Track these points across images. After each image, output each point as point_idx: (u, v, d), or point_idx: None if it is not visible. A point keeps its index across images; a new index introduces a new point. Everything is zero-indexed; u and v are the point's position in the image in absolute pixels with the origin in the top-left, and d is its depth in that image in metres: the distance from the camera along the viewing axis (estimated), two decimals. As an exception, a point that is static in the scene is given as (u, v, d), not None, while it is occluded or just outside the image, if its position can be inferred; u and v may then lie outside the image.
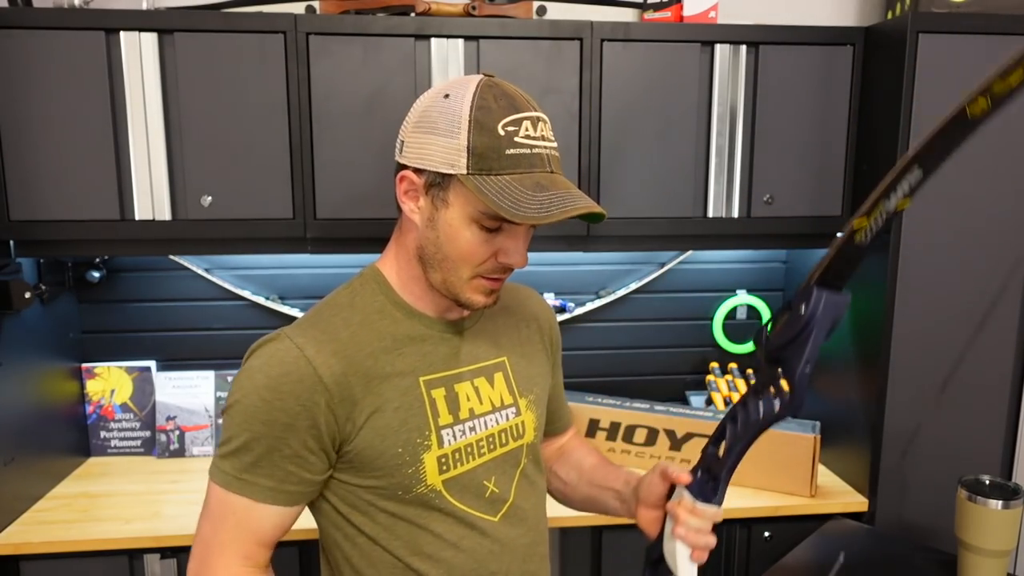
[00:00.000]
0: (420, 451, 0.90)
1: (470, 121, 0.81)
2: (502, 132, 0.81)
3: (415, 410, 0.90)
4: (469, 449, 0.94)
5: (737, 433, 0.86)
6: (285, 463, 0.85)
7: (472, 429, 0.95)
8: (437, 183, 0.85)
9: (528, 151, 0.83)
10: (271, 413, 0.83)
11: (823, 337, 0.77)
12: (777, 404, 0.81)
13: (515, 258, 0.87)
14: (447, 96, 0.84)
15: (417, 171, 0.86)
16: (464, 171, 0.81)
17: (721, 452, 0.89)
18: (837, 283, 0.75)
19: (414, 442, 0.89)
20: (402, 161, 0.88)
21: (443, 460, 0.91)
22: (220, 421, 0.91)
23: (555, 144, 0.87)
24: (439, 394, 0.92)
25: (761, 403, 0.83)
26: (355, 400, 0.87)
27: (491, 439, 0.97)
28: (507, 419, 0.99)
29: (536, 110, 0.85)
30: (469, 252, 0.86)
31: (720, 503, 0.90)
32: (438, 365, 0.94)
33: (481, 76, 0.86)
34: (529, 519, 1.00)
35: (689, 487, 0.91)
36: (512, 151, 0.81)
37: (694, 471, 0.92)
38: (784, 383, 0.80)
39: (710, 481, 0.90)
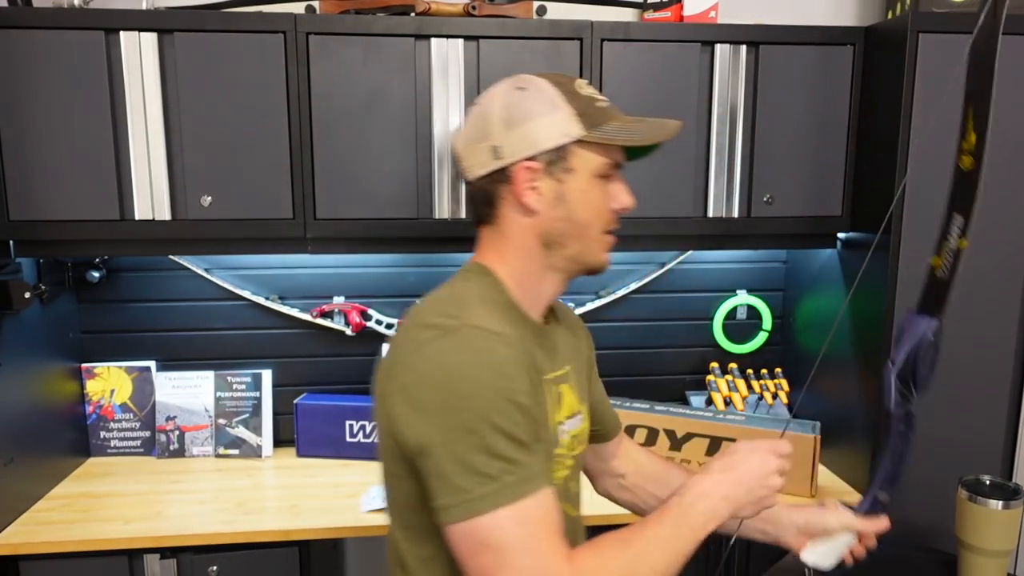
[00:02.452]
0: (552, 447, 0.92)
1: (561, 95, 0.90)
2: (585, 94, 0.91)
3: (550, 406, 0.92)
4: (567, 449, 0.97)
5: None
6: (538, 439, 0.82)
7: (565, 432, 0.97)
8: (555, 160, 0.90)
9: (606, 103, 0.93)
10: (514, 396, 0.78)
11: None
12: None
13: (627, 198, 0.96)
14: (521, 89, 0.91)
15: (530, 159, 0.89)
16: (584, 131, 0.89)
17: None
18: (931, 310, 1.06)
19: (549, 438, 0.91)
20: (507, 162, 0.89)
21: (559, 458, 0.94)
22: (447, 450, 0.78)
23: None
24: (553, 392, 0.94)
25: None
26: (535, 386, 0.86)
27: (575, 440, 1.00)
28: (578, 425, 1.01)
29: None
30: (599, 208, 0.93)
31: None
32: (545, 365, 0.93)
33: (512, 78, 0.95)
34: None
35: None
36: (600, 105, 0.92)
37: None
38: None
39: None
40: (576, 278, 0.99)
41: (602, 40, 1.60)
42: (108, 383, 1.93)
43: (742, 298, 2.11)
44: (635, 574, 0.80)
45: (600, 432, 1.16)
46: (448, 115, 1.60)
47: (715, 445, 1.75)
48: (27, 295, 1.59)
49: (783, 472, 0.93)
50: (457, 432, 0.77)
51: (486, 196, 0.93)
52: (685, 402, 2.05)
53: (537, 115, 0.89)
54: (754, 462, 0.91)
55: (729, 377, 2.09)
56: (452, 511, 0.77)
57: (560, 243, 0.93)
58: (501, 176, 0.91)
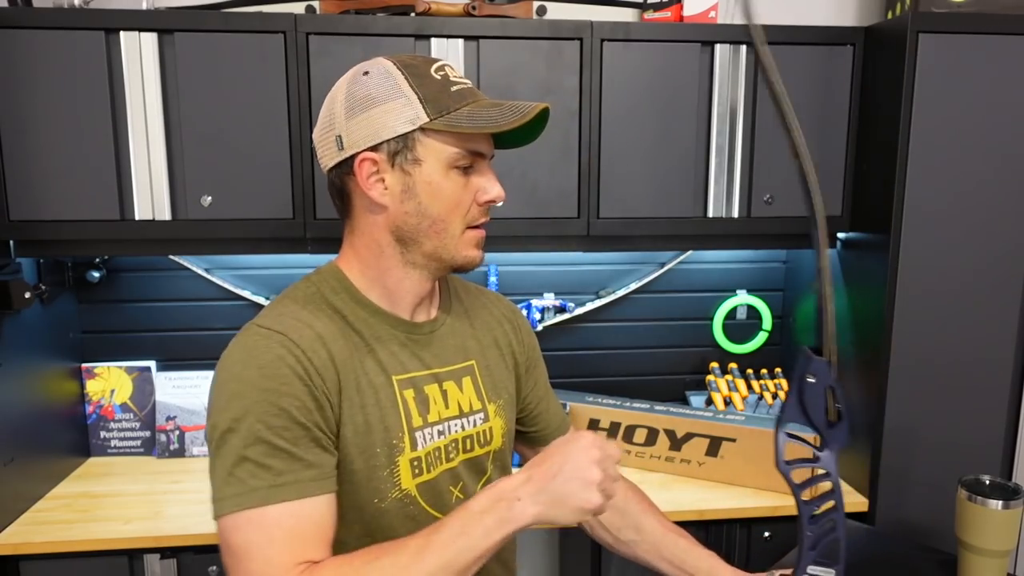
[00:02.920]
0: (396, 453, 0.87)
1: (406, 77, 0.84)
2: (438, 76, 0.85)
3: (389, 409, 0.87)
4: (438, 453, 0.92)
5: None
6: (311, 445, 0.79)
7: (441, 433, 0.92)
8: (401, 148, 0.84)
9: (464, 86, 0.86)
10: (278, 399, 0.77)
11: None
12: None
13: (494, 190, 0.89)
14: (366, 73, 0.86)
15: (373, 149, 0.85)
16: (428, 118, 0.83)
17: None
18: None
19: (391, 443, 0.87)
20: (349, 153, 0.86)
21: (416, 463, 0.89)
22: (209, 453, 0.80)
23: None
24: (409, 394, 0.90)
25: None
26: (339, 388, 0.84)
27: (456, 444, 0.94)
28: (474, 424, 0.96)
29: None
30: (455, 200, 0.86)
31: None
32: (407, 365, 0.91)
33: (378, 57, 0.88)
34: None
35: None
36: (455, 88, 0.85)
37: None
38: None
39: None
40: (444, 275, 0.95)
41: (602, 40, 1.60)
42: (108, 383, 1.93)
43: (742, 298, 2.11)
44: None
45: (538, 434, 1.11)
46: (448, 115, 1.60)
47: (715, 445, 1.75)
48: (27, 295, 1.59)
49: (605, 467, 0.76)
50: (220, 431, 0.78)
51: (337, 189, 0.90)
52: (685, 402, 2.05)
53: (378, 101, 0.83)
54: (569, 451, 0.76)
55: (729, 377, 2.09)
56: (213, 507, 0.78)
57: (413, 239, 0.87)
58: (347, 168, 0.87)
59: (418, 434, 0.89)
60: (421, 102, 0.83)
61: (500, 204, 0.93)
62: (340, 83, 0.89)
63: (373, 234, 0.89)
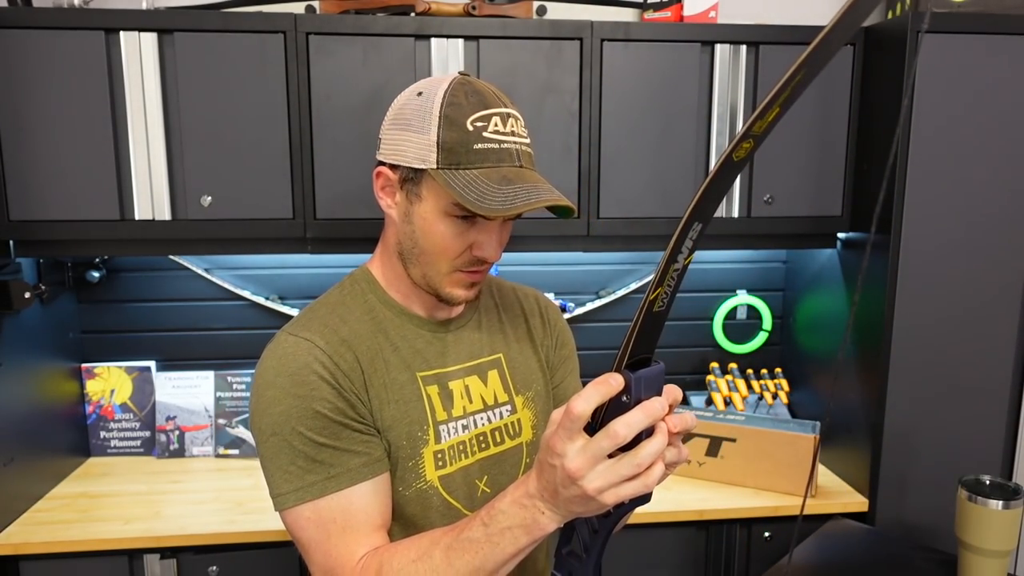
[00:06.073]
0: (420, 445, 0.90)
1: (440, 117, 0.82)
2: (471, 127, 0.82)
3: (413, 404, 0.91)
4: (462, 447, 0.94)
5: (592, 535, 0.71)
6: (353, 435, 0.84)
7: (465, 427, 0.95)
8: (410, 178, 0.86)
9: (497, 146, 0.83)
10: (311, 403, 0.82)
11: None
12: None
13: (488, 251, 0.88)
14: (420, 94, 0.86)
15: (392, 167, 0.88)
16: (434, 166, 0.83)
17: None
18: (647, 355, 0.64)
19: (415, 435, 0.90)
20: (379, 158, 0.90)
21: (439, 456, 0.92)
22: (257, 453, 0.86)
23: (526, 140, 0.88)
24: (433, 391, 0.93)
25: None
26: (366, 387, 0.88)
27: (482, 438, 0.96)
28: (500, 417, 0.98)
29: (507, 106, 0.86)
30: (444, 245, 0.87)
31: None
32: (431, 362, 0.94)
33: (456, 74, 0.87)
34: None
35: None
36: (480, 146, 0.83)
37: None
38: None
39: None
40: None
41: (602, 40, 1.60)
42: (108, 383, 1.93)
43: (742, 298, 2.11)
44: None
45: None
46: (448, 115, 1.60)
47: (715, 445, 1.75)
48: (27, 295, 1.59)
49: (595, 475, 0.63)
50: (265, 435, 0.83)
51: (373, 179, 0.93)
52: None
53: (411, 128, 0.85)
54: (550, 469, 0.66)
55: (729, 377, 2.09)
56: (274, 502, 0.84)
57: (409, 259, 0.90)
58: (377, 167, 0.91)
59: (442, 427, 0.92)
60: (438, 147, 0.82)
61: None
62: (407, 90, 0.90)
63: (390, 238, 0.93)
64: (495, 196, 0.80)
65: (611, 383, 0.62)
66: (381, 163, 0.90)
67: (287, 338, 0.87)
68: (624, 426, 0.60)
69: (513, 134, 0.85)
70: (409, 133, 0.85)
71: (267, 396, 0.83)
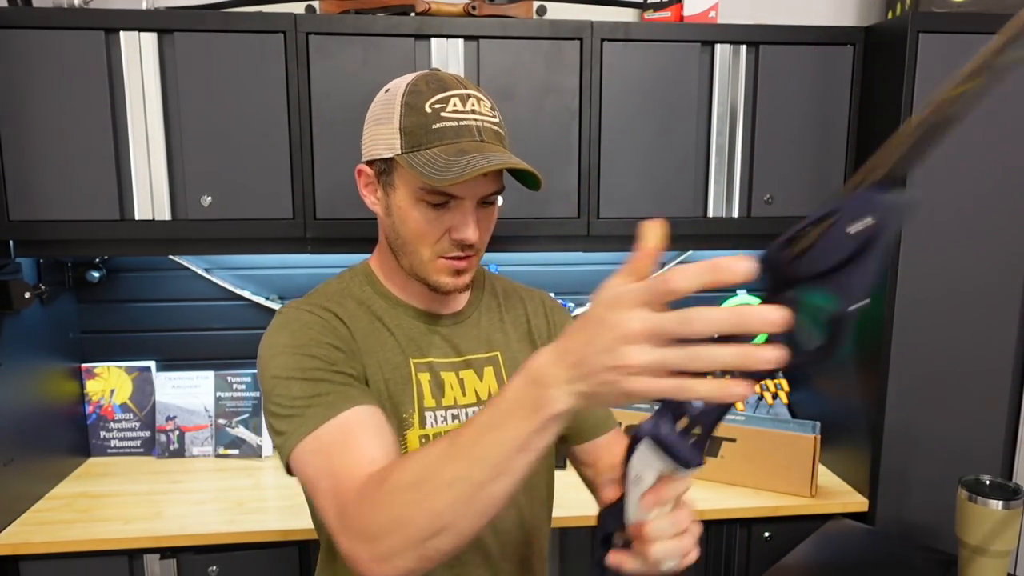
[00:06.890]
0: (405, 427, 0.91)
1: (402, 105, 0.86)
2: (429, 110, 0.85)
3: (402, 385, 0.92)
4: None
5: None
6: (347, 376, 0.85)
7: (455, 418, 0.94)
8: (384, 170, 0.90)
9: (455, 123, 0.85)
10: (310, 349, 0.84)
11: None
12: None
13: (465, 233, 0.88)
14: (387, 90, 0.90)
15: (370, 163, 0.92)
16: (399, 151, 0.86)
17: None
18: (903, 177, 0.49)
19: (401, 416, 0.90)
20: (363, 158, 0.94)
21: (424, 441, 0.91)
22: (259, 412, 0.89)
23: (493, 118, 0.89)
24: (424, 377, 0.94)
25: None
26: (363, 359, 0.90)
27: None
28: None
29: (468, 88, 0.88)
30: (420, 231, 0.88)
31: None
32: (426, 350, 0.95)
33: (425, 71, 0.91)
34: (508, 520, 0.96)
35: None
36: (438, 125, 0.85)
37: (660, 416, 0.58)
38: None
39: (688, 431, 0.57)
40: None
41: (602, 40, 1.60)
42: (108, 383, 1.93)
43: (742, 298, 2.11)
44: (429, 481, 0.63)
45: (571, 433, 1.05)
46: (448, 115, 1.60)
47: (715, 445, 1.75)
48: (27, 295, 1.59)
49: (651, 336, 0.50)
50: (267, 388, 0.84)
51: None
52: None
53: (378, 121, 0.89)
54: (598, 321, 0.53)
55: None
56: (281, 453, 0.83)
57: (397, 251, 0.93)
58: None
59: (428, 414, 0.93)
60: (400, 132, 0.86)
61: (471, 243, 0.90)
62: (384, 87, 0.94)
63: (382, 235, 0.97)
64: (449, 167, 0.82)
65: (733, 268, 0.47)
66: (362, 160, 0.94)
67: (289, 308, 0.91)
68: (704, 321, 0.48)
69: (474, 112, 0.87)
70: (379, 127, 0.88)
71: (268, 354, 0.86)
